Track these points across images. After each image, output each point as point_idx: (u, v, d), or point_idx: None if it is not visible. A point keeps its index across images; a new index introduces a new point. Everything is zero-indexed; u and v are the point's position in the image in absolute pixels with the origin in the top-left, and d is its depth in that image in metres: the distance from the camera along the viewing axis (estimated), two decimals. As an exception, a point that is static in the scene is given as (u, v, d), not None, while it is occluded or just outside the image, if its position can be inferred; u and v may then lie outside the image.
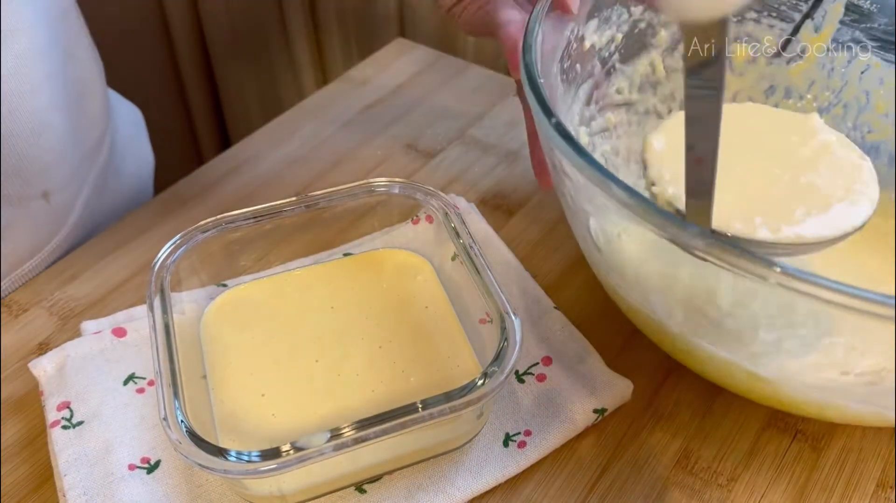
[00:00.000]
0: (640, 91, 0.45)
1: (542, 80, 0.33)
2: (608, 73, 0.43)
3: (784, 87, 0.46)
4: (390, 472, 0.36)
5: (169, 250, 0.38)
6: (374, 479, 0.35)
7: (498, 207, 0.51)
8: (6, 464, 0.37)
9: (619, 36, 0.42)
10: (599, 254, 0.36)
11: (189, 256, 0.39)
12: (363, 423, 0.31)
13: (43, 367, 0.39)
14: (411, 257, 0.43)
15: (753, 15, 0.44)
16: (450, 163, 0.54)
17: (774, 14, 0.44)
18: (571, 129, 0.40)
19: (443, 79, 0.62)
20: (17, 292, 0.46)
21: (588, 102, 0.42)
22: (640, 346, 0.42)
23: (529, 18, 0.36)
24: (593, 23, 0.40)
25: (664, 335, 0.36)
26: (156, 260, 0.38)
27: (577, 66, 0.40)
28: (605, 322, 0.43)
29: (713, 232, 0.33)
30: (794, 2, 0.44)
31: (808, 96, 0.46)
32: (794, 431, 0.38)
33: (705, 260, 0.27)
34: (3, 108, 0.41)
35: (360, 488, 0.35)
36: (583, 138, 0.42)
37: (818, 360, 0.33)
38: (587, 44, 0.41)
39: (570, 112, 0.40)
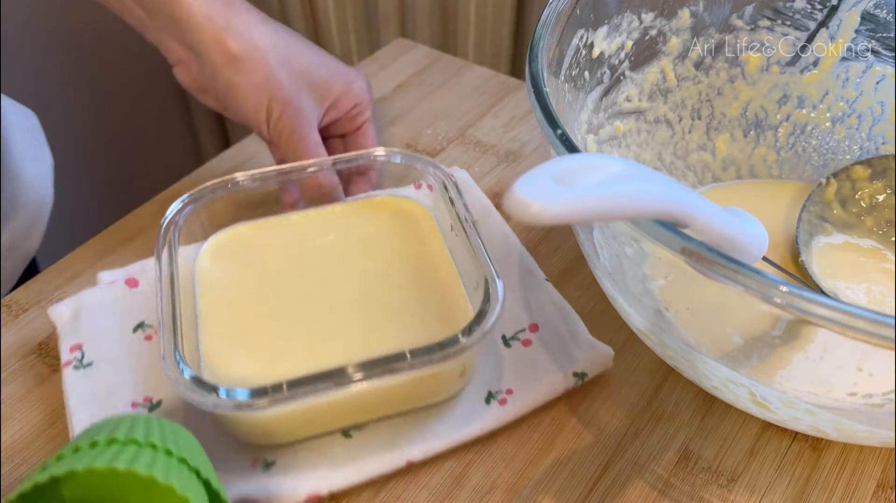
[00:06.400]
0: (651, 99, 0.44)
1: (547, 90, 0.32)
2: (617, 81, 0.42)
3: (797, 96, 0.46)
4: (376, 421, 0.37)
5: (178, 207, 0.40)
6: (361, 426, 0.37)
7: (498, 207, 0.50)
8: (6, 465, 0.37)
9: (630, 43, 0.41)
10: (605, 268, 0.36)
11: (198, 214, 0.41)
12: (347, 368, 0.32)
13: (60, 313, 0.41)
14: (414, 206, 0.43)
15: (767, 23, 0.44)
16: (450, 163, 0.54)
17: (789, 22, 0.44)
18: (579, 137, 0.40)
19: (443, 79, 0.62)
20: (16, 292, 0.45)
21: (597, 110, 0.41)
22: (640, 346, 0.42)
23: (536, 25, 0.35)
24: (603, 30, 0.40)
25: (666, 350, 0.35)
26: (165, 216, 0.40)
27: (586, 73, 0.40)
28: (606, 322, 0.43)
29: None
30: (809, 10, 0.43)
31: (822, 106, 0.45)
32: (795, 431, 0.38)
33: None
34: None
35: (346, 433, 0.37)
36: (591, 146, 0.41)
37: (824, 380, 0.33)
38: (596, 51, 0.40)
39: (578, 120, 0.40)
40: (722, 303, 0.34)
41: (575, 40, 0.38)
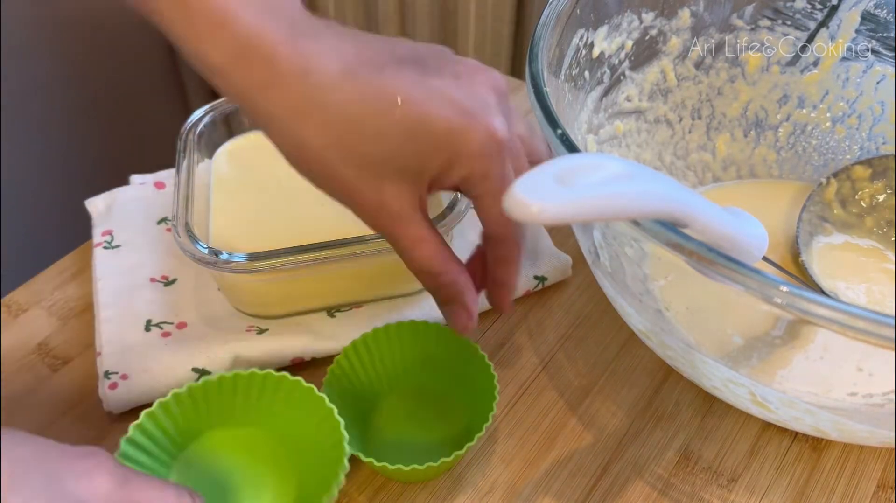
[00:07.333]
0: (651, 99, 0.44)
1: (547, 90, 0.32)
2: (618, 81, 0.42)
3: (797, 96, 0.46)
4: (358, 306, 0.43)
5: (199, 115, 0.45)
6: (343, 309, 0.43)
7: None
8: None
9: (630, 43, 0.41)
10: (605, 268, 0.36)
11: (216, 123, 0.46)
12: (323, 244, 0.38)
13: (96, 204, 0.48)
14: None
15: (767, 23, 0.44)
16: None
17: (789, 22, 0.43)
18: (579, 137, 0.40)
19: (447, 79, 0.61)
20: (16, 292, 0.45)
21: (597, 110, 0.41)
22: (640, 346, 0.42)
23: (536, 25, 0.35)
24: (603, 30, 0.40)
25: (666, 350, 0.35)
26: (188, 121, 0.45)
27: (586, 73, 0.40)
28: (606, 322, 0.43)
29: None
30: (809, 10, 0.43)
31: (822, 106, 0.45)
32: (795, 431, 0.38)
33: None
34: None
35: (330, 313, 0.43)
36: (591, 146, 0.41)
37: (825, 380, 0.33)
38: (596, 51, 0.40)
39: (578, 120, 0.40)
40: (722, 304, 0.34)
41: (575, 40, 0.38)
